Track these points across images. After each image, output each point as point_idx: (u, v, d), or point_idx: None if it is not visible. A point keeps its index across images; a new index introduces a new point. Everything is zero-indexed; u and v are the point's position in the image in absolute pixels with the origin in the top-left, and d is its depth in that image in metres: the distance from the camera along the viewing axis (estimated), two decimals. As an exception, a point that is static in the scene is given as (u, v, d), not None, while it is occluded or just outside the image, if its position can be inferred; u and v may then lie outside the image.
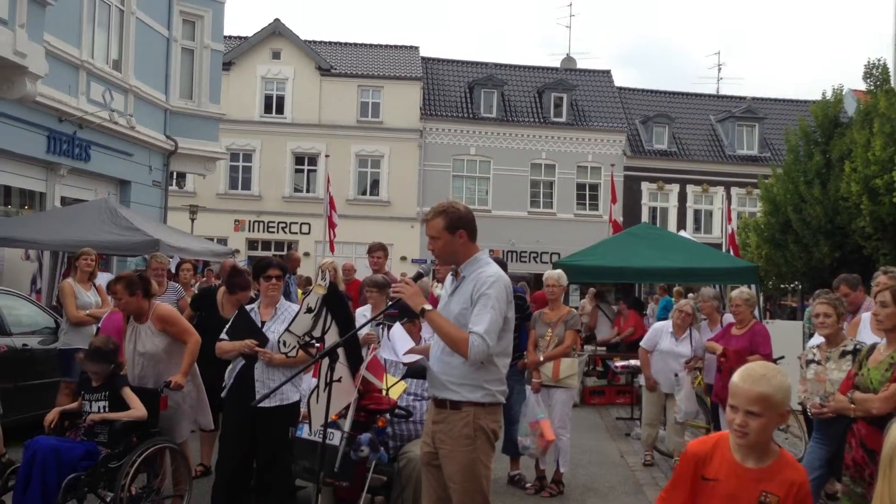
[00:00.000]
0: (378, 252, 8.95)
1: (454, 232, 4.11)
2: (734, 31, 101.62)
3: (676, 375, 8.34)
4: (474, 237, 4.19)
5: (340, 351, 4.51)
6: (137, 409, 5.41)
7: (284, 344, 4.92)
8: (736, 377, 2.76)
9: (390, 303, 4.98)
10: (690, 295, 12.30)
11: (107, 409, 5.41)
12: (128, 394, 5.44)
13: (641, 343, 8.92)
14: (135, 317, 5.82)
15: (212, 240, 22.36)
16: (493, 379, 4.06)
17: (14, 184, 13.05)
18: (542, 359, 7.40)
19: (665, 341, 8.53)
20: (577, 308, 16.26)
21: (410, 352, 4.55)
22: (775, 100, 38.16)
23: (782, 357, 8.10)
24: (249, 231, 31.95)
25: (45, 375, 8.01)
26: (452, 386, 4.03)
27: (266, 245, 32.11)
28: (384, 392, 5.29)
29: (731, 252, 18.64)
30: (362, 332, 6.44)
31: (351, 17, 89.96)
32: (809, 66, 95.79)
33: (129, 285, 5.75)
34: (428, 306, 4.05)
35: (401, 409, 5.34)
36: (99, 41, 14.45)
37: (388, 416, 5.22)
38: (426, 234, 4.24)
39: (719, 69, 63.18)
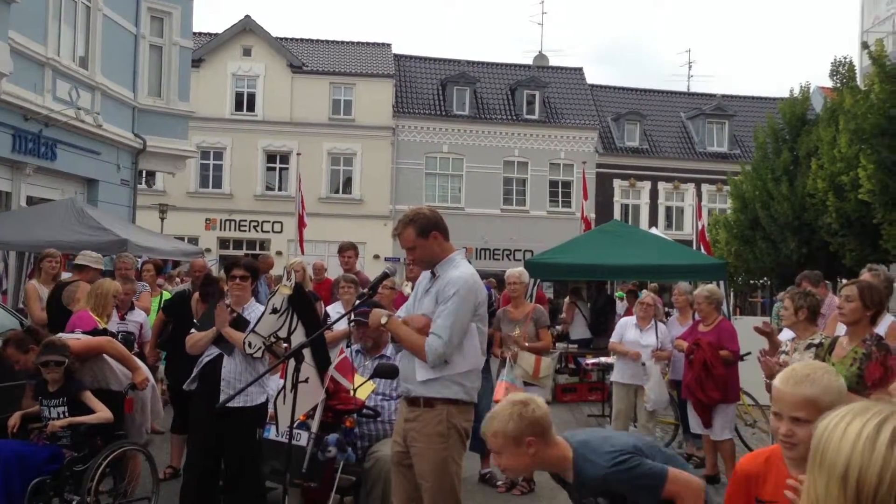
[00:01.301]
0: (349, 251, 8.94)
1: (427, 236, 4.15)
2: (704, 29, 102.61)
3: (644, 365, 8.44)
4: (447, 236, 4.24)
5: (307, 351, 4.50)
6: (103, 412, 5.36)
7: (250, 345, 4.90)
8: (777, 381, 2.51)
9: (358, 302, 4.98)
10: (645, 291, 12.42)
11: (66, 414, 5.34)
12: (89, 398, 5.37)
13: (611, 339, 8.99)
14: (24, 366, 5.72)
15: (183, 239, 22.20)
16: (467, 376, 4.09)
17: (-22, 183, 12.87)
18: (526, 345, 7.42)
19: (630, 333, 8.65)
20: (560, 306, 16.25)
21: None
22: (744, 97, 38.55)
23: (749, 353, 8.17)
24: (221, 230, 31.73)
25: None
26: (429, 381, 4.05)
27: (238, 244, 31.90)
28: (352, 392, 5.28)
29: (703, 249, 18.82)
30: (337, 327, 6.43)
31: (322, 13, 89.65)
32: (778, 63, 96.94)
33: (19, 345, 5.64)
34: (385, 318, 4.15)
35: (368, 409, 5.33)
36: (65, 38, 14.26)
37: (355, 416, 5.21)
38: (402, 247, 4.29)
39: (690, 67, 63.16)
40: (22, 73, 12.19)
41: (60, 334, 5.79)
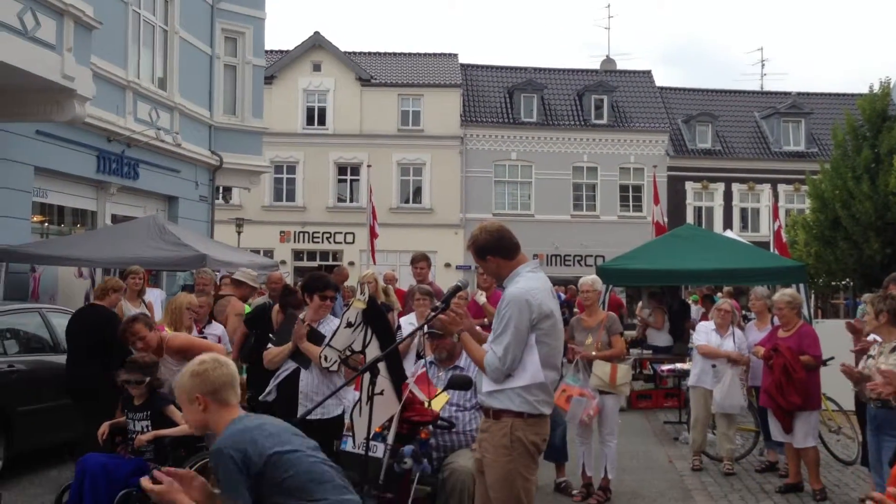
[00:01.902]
0: (421, 263, 9.01)
1: (484, 258, 4.30)
2: (777, 25, 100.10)
3: (714, 367, 8.34)
4: (508, 254, 4.28)
5: (382, 364, 4.57)
6: (186, 425, 5.53)
7: (326, 359, 5.00)
8: None
9: (432, 315, 5.04)
10: (720, 296, 12.18)
11: (150, 428, 5.54)
12: (173, 411, 5.55)
13: (696, 342, 8.84)
14: (140, 350, 5.93)
15: (258, 252, 22.70)
16: (529, 390, 4.09)
17: (67, 203, 13.41)
18: (594, 354, 7.40)
19: (711, 339, 8.54)
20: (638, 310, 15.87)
21: None
22: (821, 94, 37.50)
23: (832, 358, 7.96)
24: (295, 242, 32.34)
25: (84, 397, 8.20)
26: (494, 393, 4.13)
27: (311, 255, 32.46)
28: (427, 403, 5.34)
29: (776, 251, 18.33)
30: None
31: (389, 26, 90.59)
32: (855, 57, 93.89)
33: (146, 322, 6.00)
34: (456, 337, 4.36)
35: (443, 421, 5.37)
36: (144, 61, 14.79)
37: (430, 427, 5.26)
38: None
39: (762, 65, 62.23)
40: (104, 96, 12.67)
41: (176, 333, 6.09)
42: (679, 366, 11.02)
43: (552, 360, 4.19)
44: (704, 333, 8.69)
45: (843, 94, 35.89)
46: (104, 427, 5.75)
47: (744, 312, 12.91)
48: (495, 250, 4.26)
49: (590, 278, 7.87)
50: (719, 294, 14.20)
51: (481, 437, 4.23)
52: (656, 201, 22.30)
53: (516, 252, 4.31)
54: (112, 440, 5.70)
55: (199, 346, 6.02)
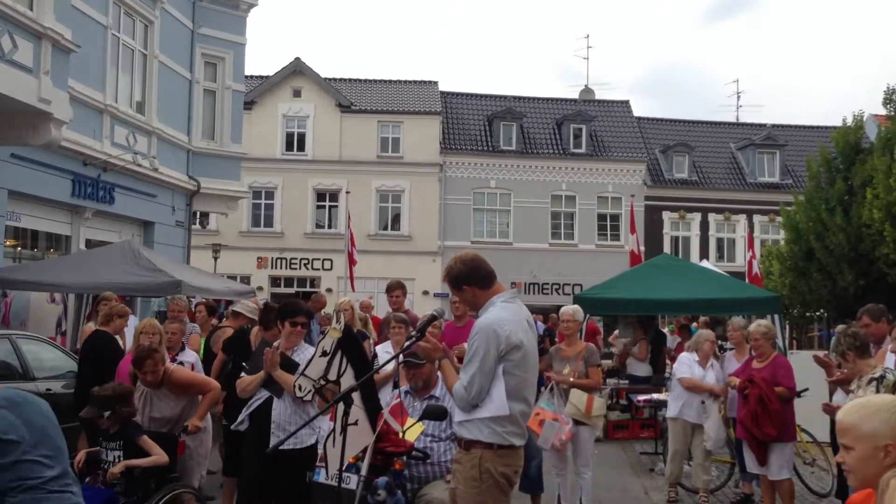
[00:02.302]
0: (396, 291, 8.97)
1: (460, 288, 4.32)
2: (753, 58, 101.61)
3: (703, 403, 8.33)
4: (484, 284, 4.28)
5: (356, 394, 4.52)
6: (160, 456, 5.45)
7: (300, 388, 4.94)
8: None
9: (407, 343, 5.00)
10: (694, 324, 12.22)
11: (121, 458, 5.45)
12: (146, 442, 5.48)
13: (679, 375, 8.76)
14: (145, 382, 5.86)
15: (235, 278, 22.55)
16: (497, 421, 4.06)
17: (40, 227, 13.26)
18: (571, 380, 7.39)
19: (694, 372, 8.52)
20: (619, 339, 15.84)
21: None
22: (796, 126, 38.01)
23: (806, 389, 7.99)
24: (272, 268, 32.13)
25: (69, 419, 8.07)
26: (464, 423, 4.13)
27: (289, 282, 32.27)
28: (401, 434, 5.29)
29: (747, 280, 18.46)
30: (388, 369, 6.47)
31: (370, 53, 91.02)
32: (830, 91, 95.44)
33: (163, 357, 5.97)
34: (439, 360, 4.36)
35: (418, 452, 5.32)
36: (122, 85, 14.72)
37: (405, 458, 5.21)
38: None
39: (738, 97, 62.27)
40: (81, 120, 12.58)
41: (179, 366, 6.05)
42: (655, 396, 11.02)
43: (521, 392, 4.14)
44: (687, 365, 8.62)
45: (818, 127, 36.42)
46: (80, 455, 5.67)
47: (720, 342, 12.99)
48: (471, 280, 4.26)
49: (571, 308, 7.88)
50: (695, 324, 14.25)
51: (454, 468, 4.23)
52: (633, 230, 22.40)
53: (492, 281, 4.30)
54: (88, 468, 5.61)
55: (199, 382, 6.11)
